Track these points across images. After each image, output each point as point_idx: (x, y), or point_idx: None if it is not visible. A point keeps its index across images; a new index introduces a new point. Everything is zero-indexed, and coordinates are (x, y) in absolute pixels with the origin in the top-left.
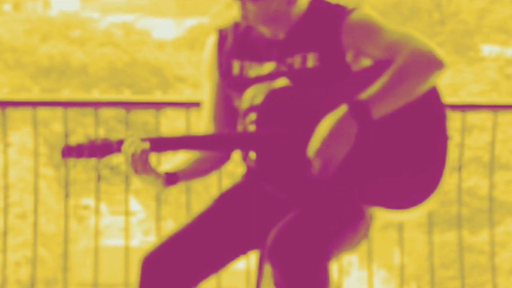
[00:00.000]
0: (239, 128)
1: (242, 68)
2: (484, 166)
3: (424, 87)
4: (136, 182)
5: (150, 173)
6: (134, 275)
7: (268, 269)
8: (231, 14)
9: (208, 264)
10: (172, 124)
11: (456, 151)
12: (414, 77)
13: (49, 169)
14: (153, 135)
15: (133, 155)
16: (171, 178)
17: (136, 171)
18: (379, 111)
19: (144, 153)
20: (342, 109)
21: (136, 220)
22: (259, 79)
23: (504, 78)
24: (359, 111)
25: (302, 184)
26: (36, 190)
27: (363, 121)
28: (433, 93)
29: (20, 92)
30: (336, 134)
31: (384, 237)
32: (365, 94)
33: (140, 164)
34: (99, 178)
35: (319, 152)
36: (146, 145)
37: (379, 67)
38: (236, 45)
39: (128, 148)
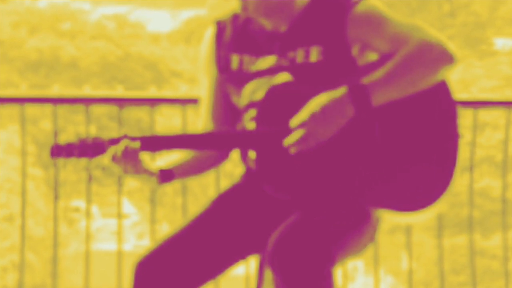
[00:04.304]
0: (238, 125)
1: (241, 62)
2: (496, 166)
3: (431, 80)
4: (130, 183)
5: (141, 173)
6: (127, 281)
7: (268, 274)
8: (230, 5)
9: (205, 269)
10: (168, 121)
11: (467, 150)
12: (421, 69)
13: (37, 169)
14: (147, 133)
15: (122, 155)
16: (166, 175)
17: (126, 171)
18: (380, 98)
19: (134, 153)
20: (341, 90)
21: (129, 223)
22: (259, 74)
23: None
24: (358, 94)
25: (304, 186)
26: (23, 192)
27: (361, 105)
28: (443, 89)
29: (7, 88)
30: (328, 111)
31: (391, 241)
32: (367, 79)
33: (130, 164)
34: (90, 178)
35: (304, 124)
36: (137, 144)
37: (386, 61)
38: (235, 38)
39: (117, 147)
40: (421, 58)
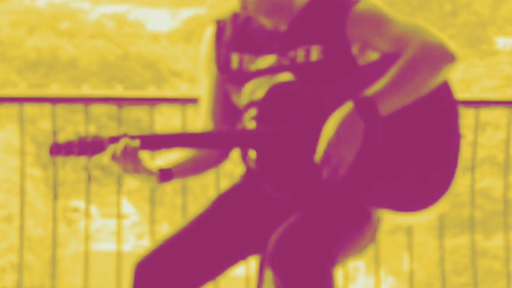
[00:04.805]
0: (238, 125)
1: (241, 62)
2: (498, 166)
3: (434, 82)
4: (130, 182)
5: (141, 173)
6: (127, 282)
7: (268, 275)
8: (230, 4)
9: (205, 270)
10: (167, 121)
11: (469, 150)
12: (424, 71)
13: (36, 169)
14: (147, 133)
15: (122, 154)
16: (165, 175)
17: (125, 171)
18: (387, 108)
19: (134, 152)
20: (348, 107)
21: (128, 223)
22: (259, 73)
23: None
24: (365, 108)
25: (305, 186)
26: (22, 192)
27: (370, 118)
28: (445, 89)
29: (5, 88)
30: (343, 134)
31: (392, 241)
32: (371, 90)
33: (130, 163)
34: (89, 178)
35: (327, 156)
36: (136, 143)
37: (387, 60)
38: (235, 37)
39: (117, 146)
40: (423, 61)
